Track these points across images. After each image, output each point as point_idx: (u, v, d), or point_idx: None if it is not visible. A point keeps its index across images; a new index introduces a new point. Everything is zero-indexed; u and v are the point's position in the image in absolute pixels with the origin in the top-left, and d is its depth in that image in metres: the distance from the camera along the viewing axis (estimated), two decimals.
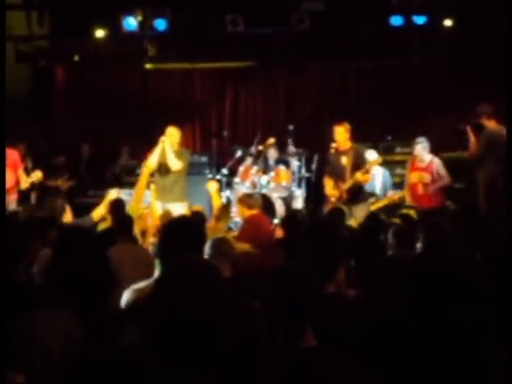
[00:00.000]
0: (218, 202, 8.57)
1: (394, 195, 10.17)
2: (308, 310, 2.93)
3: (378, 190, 10.27)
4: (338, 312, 3.33)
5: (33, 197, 10.41)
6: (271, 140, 11.43)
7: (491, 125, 8.91)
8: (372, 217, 6.94)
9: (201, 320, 2.23)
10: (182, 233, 4.10)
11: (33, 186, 9.89)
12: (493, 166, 8.72)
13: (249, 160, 11.47)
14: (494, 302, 2.96)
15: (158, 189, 9.43)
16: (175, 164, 9.30)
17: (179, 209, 8.96)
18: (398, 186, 10.91)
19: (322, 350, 2.88)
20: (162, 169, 9.41)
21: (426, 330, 2.62)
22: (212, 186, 8.84)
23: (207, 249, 4.79)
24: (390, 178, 10.76)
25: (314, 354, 2.83)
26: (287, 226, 6.61)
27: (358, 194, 9.29)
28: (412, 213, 9.41)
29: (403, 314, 2.96)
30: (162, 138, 9.30)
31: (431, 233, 5.07)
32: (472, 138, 9.03)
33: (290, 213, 8.07)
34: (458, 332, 2.55)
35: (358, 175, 9.15)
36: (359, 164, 9.27)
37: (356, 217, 8.12)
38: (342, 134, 9.39)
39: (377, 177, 10.33)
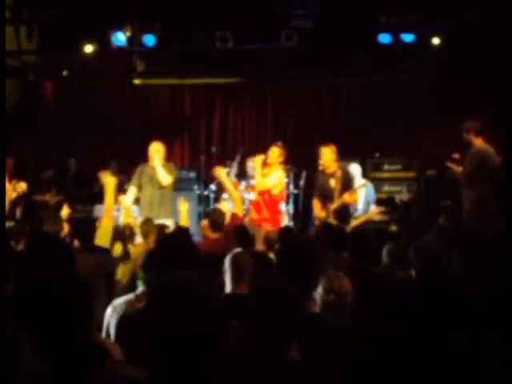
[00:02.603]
0: (185, 222, 8.46)
1: (374, 212, 10.21)
2: (291, 324, 2.92)
3: (360, 205, 10.26)
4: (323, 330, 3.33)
5: (18, 211, 10.33)
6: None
7: (478, 142, 8.82)
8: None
9: (195, 335, 2.21)
10: (175, 249, 4.08)
11: (19, 200, 9.82)
12: (480, 184, 8.67)
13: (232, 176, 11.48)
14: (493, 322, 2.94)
15: (145, 205, 9.37)
16: (165, 179, 9.26)
17: (166, 224, 8.92)
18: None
19: (307, 363, 2.87)
20: (150, 184, 9.37)
21: (420, 344, 2.61)
22: (184, 206, 8.74)
23: (226, 263, 4.69)
24: (373, 193, 10.76)
25: (298, 367, 2.82)
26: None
27: (344, 215, 9.33)
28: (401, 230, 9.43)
29: (394, 330, 2.95)
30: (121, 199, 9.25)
31: (421, 250, 5.05)
32: (457, 168, 8.97)
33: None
34: (457, 353, 2.54)
35: (346, 197, 9.22)
36: (347, 185, 9.33)
37: None
38: (328, 155, 9.44)
39: (360, 192, 10.32)
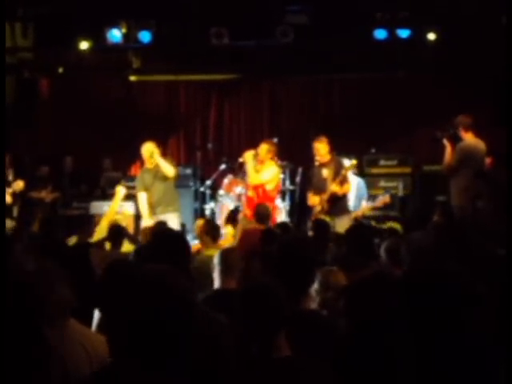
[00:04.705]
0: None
1: (365, 208, 10.20)
2: (277, 321, 2.92)
3: (351, 201, 10.21)
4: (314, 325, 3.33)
5: (15, 210, 10.33)
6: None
7: (468, 137, 8.83)
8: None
9: (166, 324, 2.24)
10: (166, 245, 4.08)
11: (15, 198, 9.82)
12: (466, 176, 8.68)
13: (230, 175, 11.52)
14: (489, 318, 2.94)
15: (150, 203, 9.52)
16: (171, 170, 9.45)
17: (172, 219, 8.99)
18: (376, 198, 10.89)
19: (298, 359, 2.88)
20: (156, 182, 9.49)
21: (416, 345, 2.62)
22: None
23: (215, 260, 4.81)
24: (365, 188, 10.74)
25: (289, 364, 2.83)
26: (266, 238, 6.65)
27: (339, 204, 9.31)
28: (398, 226, 9.43)
29: (389, 326, 2.96)
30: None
31: (414, 247, 5.05)
32: (448, 149, 8.93)
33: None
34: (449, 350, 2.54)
35: (333, 186, 9.19)
36: (339, 174, 9.31)
37: (338, 229, 8.10)
38: (323, 150, 9.44)
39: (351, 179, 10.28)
